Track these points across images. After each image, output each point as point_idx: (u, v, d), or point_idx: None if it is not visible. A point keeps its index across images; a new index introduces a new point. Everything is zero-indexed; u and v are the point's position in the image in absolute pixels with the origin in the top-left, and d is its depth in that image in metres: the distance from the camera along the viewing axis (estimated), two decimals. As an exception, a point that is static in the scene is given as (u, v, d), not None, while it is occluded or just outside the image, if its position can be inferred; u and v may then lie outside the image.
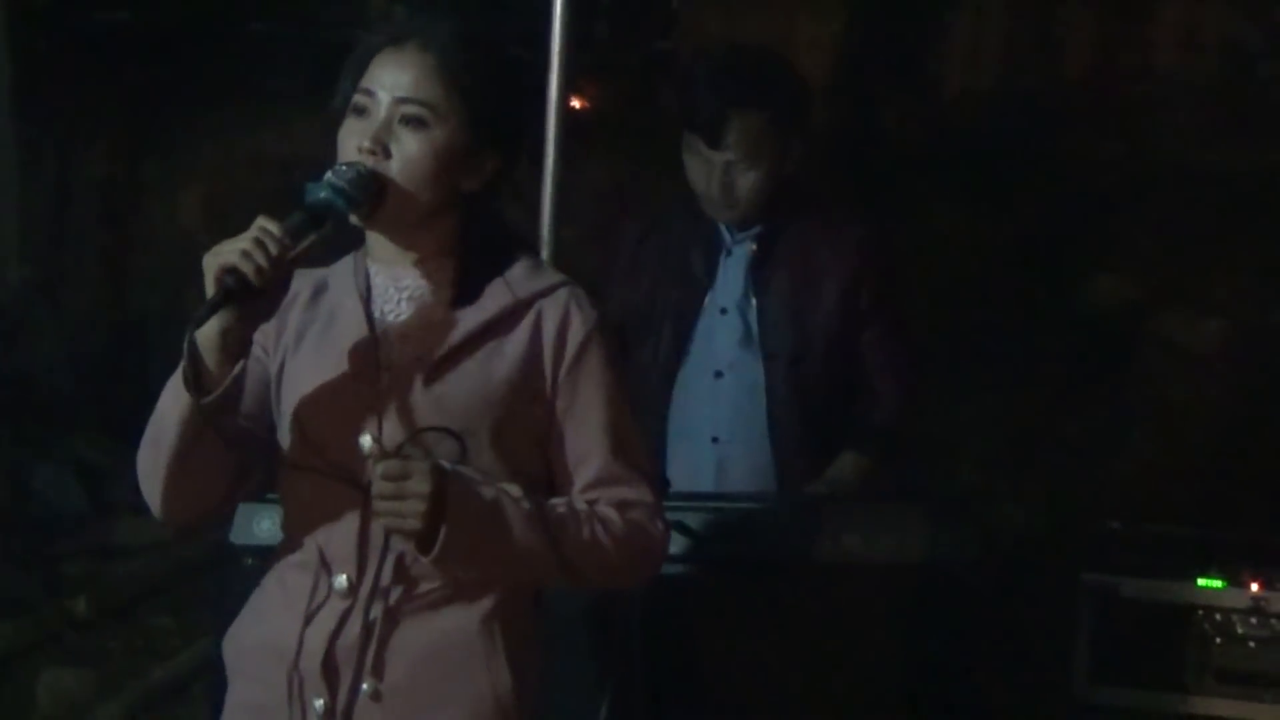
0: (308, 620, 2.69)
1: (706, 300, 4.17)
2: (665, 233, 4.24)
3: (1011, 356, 7.17)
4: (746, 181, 4.09)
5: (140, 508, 7.23)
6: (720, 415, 4.16)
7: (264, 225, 2.59)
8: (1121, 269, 7.61)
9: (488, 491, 2.64)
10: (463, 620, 2.69)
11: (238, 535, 3.64)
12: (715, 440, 4.16)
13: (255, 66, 8.87)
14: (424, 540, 2.61)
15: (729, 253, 4.17)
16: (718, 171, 4.08)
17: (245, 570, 3.63)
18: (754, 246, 4.15)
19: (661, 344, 4.13)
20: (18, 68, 7.98)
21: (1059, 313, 7.42)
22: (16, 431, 7.10)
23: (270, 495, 3.15)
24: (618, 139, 8.24)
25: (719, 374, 4.15)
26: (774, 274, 4.14)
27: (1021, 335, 7.26)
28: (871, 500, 3.87)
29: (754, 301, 4.14)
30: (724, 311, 4.15)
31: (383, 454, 2.61)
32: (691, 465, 4.14)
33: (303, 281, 2.79)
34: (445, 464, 2.62)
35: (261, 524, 3.59)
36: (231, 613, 3.64)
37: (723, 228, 4.17)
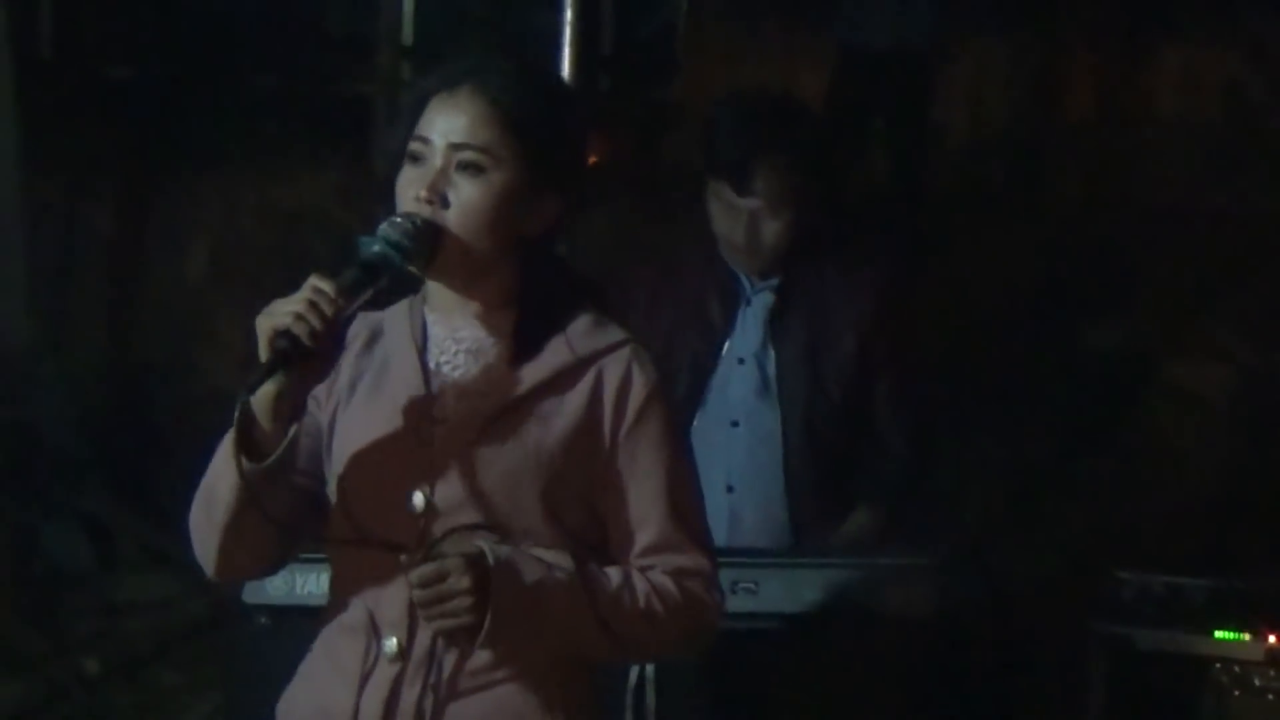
0: (360, 688, 2.63)
1: (724, 349, 4.15)
2: (681, 280, 4.22)
3: (1019, 405, 7.17)
4: (773, 229, 4.07)
5: (148, 564, 7.24)
6: (735, 465, 4.14)
7: (317, 285, 2.52)
8: (1128, 315, 7.61)
9: (533, 573, 2.58)
10: (518, 684, 2.63)
11: (250, 594, 3.62)
12: (730, 490, 4.13)
13: (261, 121, 8.90)
14: (469, 635, 2.56)
15: (748, 303, 4.16)
16: (744, 219, 4.06)
17: (257, 629, 3.62)
18: (774, 298, 4.14)
19: (678, 393, 4.10)
20: (25, 123, 7.99)
21: (1065, 360, 7.41)
22: (24, 488, 7.09)
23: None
24: (621, 189, 8.25)
25: (735, 423, 4.14)
26: (792, 324, 4.12)
27: (1028, 383, 7.26)
28: (879, 553, 3.85)
29: (772, 352, 4.13)
30: (741, 361, 4.14)
31: (414, 561, 2.56)
32: (705, 514, 4.13)
33: (357, 326, 2.72)
34: (485, 549, 2.56)
35: (274, 583, 3.56)
36: (243, 670, 3.63)
37: (742, 277, 4.16)
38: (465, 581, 2.52)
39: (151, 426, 7.77)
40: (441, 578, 2.53)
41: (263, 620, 3.60)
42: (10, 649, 6.41)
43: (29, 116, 8.08)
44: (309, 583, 3.53)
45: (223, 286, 8.08)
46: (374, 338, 2.73)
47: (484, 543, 2.57)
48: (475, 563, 2.54)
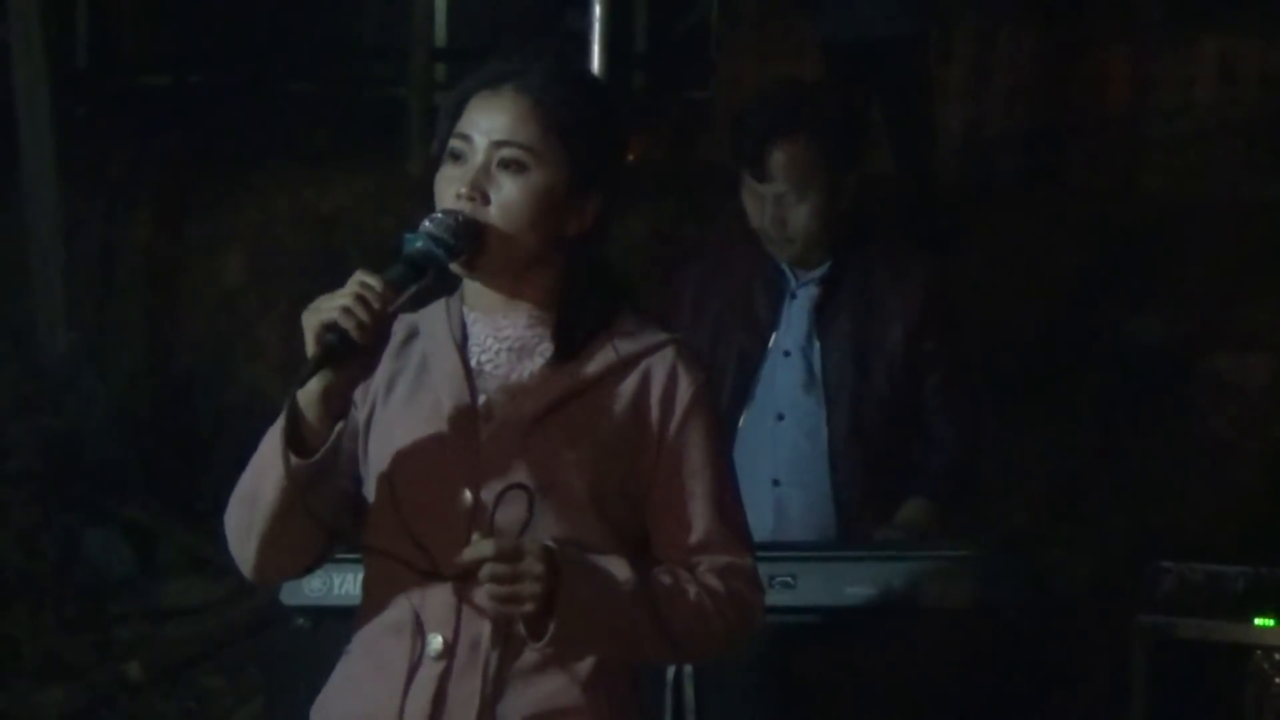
0: (406, 687, 2.61)
1: (770, 343, 4.15)
2: (728, 274, 4.21)
3: (1060, 396, 7.14)
4: (799, 214, 4.06)
5: (190, 569, 7.25)
6: (780, 458, 4.13)
7: (364, 279, 2.50)
8: (1168, 306, 7.57)
9: (598, 573, 2.57)
10: (565, 682, 2.61)
11: (288, 595, 3.62)
12: (775, 483, 4.12)
13: (296, 126, 8.93)
14: (535, 624, 2.53)
15: (793, 296, 4.15)
16: (769, 205, 4.05)
17: (296, 630, 3.62)
18: (819, 290, 4.13)
19: (724, 387, 4.10)
20: (62, 132, 8.04)
21: (1107, 351, 7.38)
22: (66, 495, 7.13)
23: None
24: (656, 188, 8.25)
25: (780, 416, 4.13)
26: (838, 316, 4.11)
27: (1070, 375, 7.23)
28: (919, 546, 3.84)
29: (817, 345, 4.12)
30: (787, 354, 4.13)
31: (492, 532, 2.54)
32: (750, 507, 4.09)
33: (395, 327, 2.68)
34: (552, 544, 2.54)
35: (312, 584, 3.57)
36: (282, 671, 3.63)
37: (787, 270, 4.16)
38: (539, 568, 2.50)
39: (192, 433, 7.81)
40: (518, 556, 2.50)
41: (300, 621, 3.61)
42: (54, 655, 6.44)
43: (65, 125, 8.13)
44: (346, 583, 3.53)
45: (260, 292, 8.11)
46: (410, 337, 2.73)
47: (551, 543, 2.55)
48: (550, 555, 2.52)
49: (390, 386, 2.70)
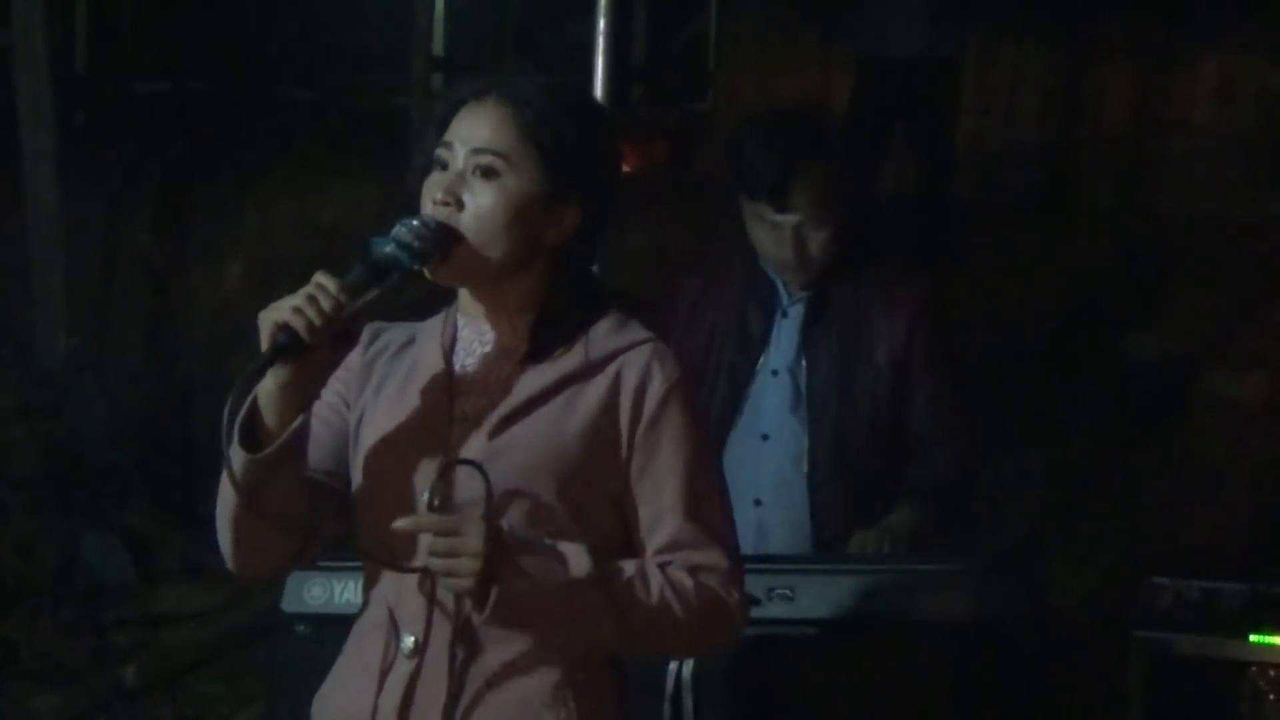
0: (380, 685, 2.67)
1: (760, 361, 4.14)
2: (723, 291, 4.21)
3: (1057, 412, 7.15)
4: (818, 239, 4.04)
5: (187, 575, 7.25)
6: (764, 478, 4.13)
7: (320, 281, 2.57)
8: (1165, 323, 7.59)
9: (547, 554, 2.60)
10: (533, 684, 2.65)
11: (289, 602, 3.64)
12: (758, 503, 4.12)
13: (297, 134, 8.94)
14: (478, 599, 2.57)
15: (784, 314, 4.14)
16: (788, 234, 4.02)
17: (296, 638, 3.64)
18: (807, 309, 4.12)
19: (714, 404, 4.10)
20: (62, 138, 8.04)
21: (1104, 368, 7.40)
22: (64, 501, 7.13)
23: (322, 562, 3.13)
24: (655, 201, 8.26)
25: (765, 436, 4.13)
26: (826, 337, 4.10)
27: (1067, 391, 7.24)
28: (918, 559, 3.85)
29: (804, 364, 4.12)
30: (775, 373, 4.13)
31: (433, 506, 2.59)
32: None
33: (395, 334, 2.78)
34: (502, 524, 2.58)
35: (312, 591, 3.59)
36: (283, 680, 3.65)
37: (779, 288, 4.15)
38: (478, 544, 2.53)
39: (191, 439, 7.80)
40: (458, 531, 2.54)
41: (301, 629, 3.62)
42: (51, 660, 6.44)
43: (66, 131, 8.13)
44: (347, 591, 3.55)
45: (260, 299, 8.10)
46: (407, 344, 2.78)
47: (504, 521, 2.60)
48: (492, 530, 2.55)
49: (380, 390, 2.75)
